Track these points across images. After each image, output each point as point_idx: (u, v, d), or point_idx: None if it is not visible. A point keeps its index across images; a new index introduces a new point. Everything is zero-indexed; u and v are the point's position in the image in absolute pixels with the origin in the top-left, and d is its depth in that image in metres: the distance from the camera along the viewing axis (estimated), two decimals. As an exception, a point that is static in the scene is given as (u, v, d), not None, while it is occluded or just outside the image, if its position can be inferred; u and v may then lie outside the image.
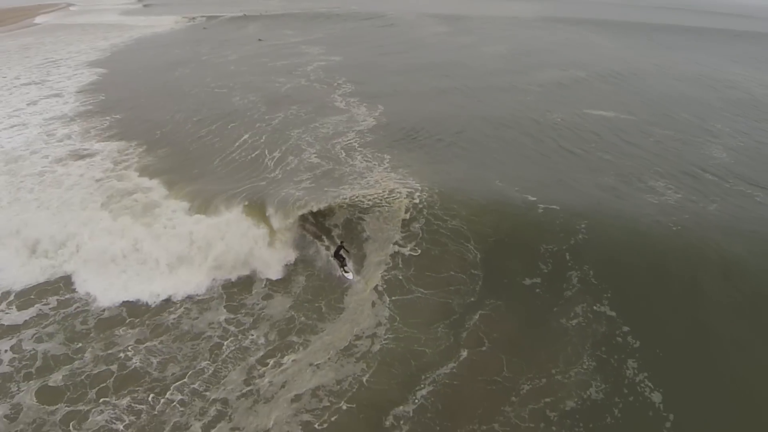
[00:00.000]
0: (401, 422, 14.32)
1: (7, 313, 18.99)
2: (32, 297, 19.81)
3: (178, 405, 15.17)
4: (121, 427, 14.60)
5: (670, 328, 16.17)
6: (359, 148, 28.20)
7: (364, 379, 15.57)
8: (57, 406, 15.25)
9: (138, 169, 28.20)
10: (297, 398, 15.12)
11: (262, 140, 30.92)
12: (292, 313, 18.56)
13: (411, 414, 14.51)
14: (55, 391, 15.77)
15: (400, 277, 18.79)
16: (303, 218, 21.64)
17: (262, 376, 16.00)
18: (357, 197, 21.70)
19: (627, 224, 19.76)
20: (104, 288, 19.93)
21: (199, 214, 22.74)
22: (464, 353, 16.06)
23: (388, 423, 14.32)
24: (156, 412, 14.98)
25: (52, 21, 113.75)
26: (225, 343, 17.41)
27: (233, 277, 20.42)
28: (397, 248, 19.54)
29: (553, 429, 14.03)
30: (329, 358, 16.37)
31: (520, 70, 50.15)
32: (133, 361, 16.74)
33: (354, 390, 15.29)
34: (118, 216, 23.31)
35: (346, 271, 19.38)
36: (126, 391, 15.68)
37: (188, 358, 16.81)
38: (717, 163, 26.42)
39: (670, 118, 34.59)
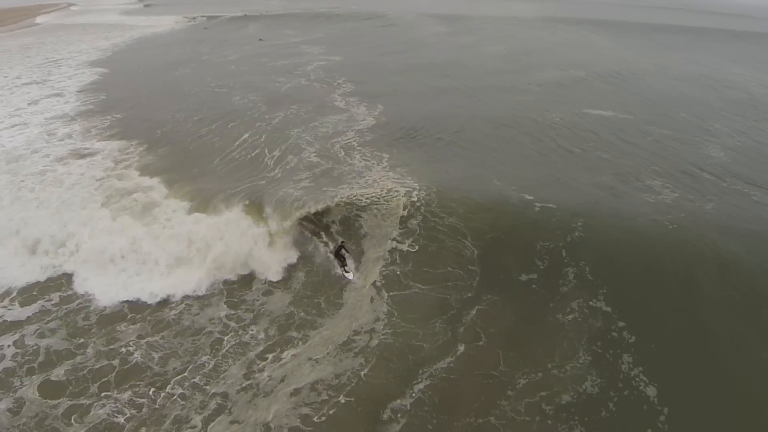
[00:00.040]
0: (398, 415, 14.50)
1: (9, 309, 19.18)
2: (34, 293, 20.02)
3: (178, 399, 15.38)
4: (122, 420, 14.78)
5: (666, 324, 16.32)
6: (358, 147, 28.36)
7: (363, 374, 15.76)
8: (59, 400, 15.42)
9: (138, 168, 28.33)
10: (296, 392, 15.31)
11: (262, 139, 31.09)
12: (292, 308, 18.75)
13: (408, 407, 14.69)
14: (57, 385, 15.95)
15: (398, 273, 18.99)
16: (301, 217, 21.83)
17: (261, 370, 16.19)
18: (355, 196, 21.88)
19: (624, 222, 19.91)
20: (104, 288, 20.02)
21: (199, 213, 22.84)
22: (461, 348, 16.25)
23: (385, 416, 14.50)
24: (157, 406, 15.18)
25: (52, 21, 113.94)
26: (225, 338, 17.60)
27: (233, 276, 20.53)
28: (394, 244, 19.75)
29: (549, 423, 14.21)
30: (328, 353, 16.57)
31: (519, 69, 50.26)
32: (135, 355, 16.94)
33: (352, 384, 15.48)
34: (118, 215, 23.44)
35: (346, 271, 19.48)
36: (127, 386, 15.87)
37: (189, 353, 17.01)
38: (715, 163, 26.55)
39: (669, 118, 34.69)
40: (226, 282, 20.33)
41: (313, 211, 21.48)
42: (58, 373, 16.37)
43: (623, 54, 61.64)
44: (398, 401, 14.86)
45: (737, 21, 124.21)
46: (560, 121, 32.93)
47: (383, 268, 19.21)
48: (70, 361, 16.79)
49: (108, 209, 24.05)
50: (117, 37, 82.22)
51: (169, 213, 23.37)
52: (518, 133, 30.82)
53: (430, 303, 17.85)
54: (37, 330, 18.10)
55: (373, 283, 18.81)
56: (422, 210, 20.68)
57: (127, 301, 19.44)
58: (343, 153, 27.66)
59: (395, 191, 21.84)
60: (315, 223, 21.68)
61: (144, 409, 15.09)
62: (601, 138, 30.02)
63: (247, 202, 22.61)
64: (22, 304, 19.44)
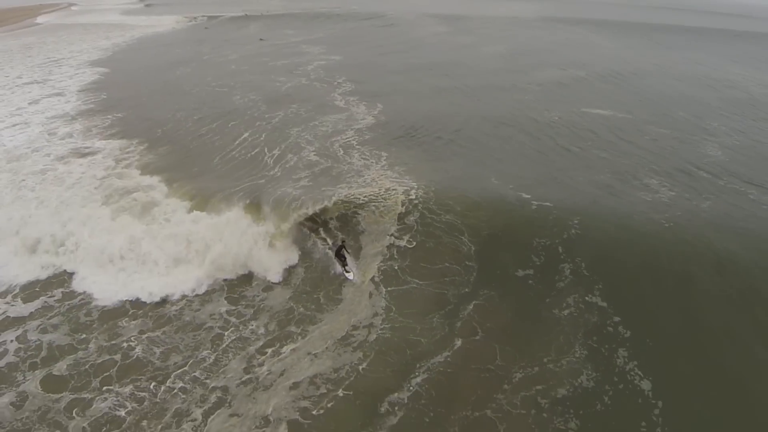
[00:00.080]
0: (396, 408, 14.67)
1: (12, 306, 19.37)
2: (37, 290, 20.21)
3: (179, 392, 15.55)
4: (123, 413, 14.96)
5: (661, 320, 16.50)
6: (357, 146, 28.58)
7: (361, 368, 15.95)
8: (62, 394, 15.60)
9: (139, 167, 28.48)
10: (295, 386, 15.50)
11: (261, 138, 31.27)
12: (291, 304, 18.94)
13: (406, 401, 14.87)
14: (59, 379, 16.13)
15: (396, 268, 19.20)
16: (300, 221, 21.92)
17: (261, 364, 16.37)
18: (353, 195, 22.08)
19: (620, 220, 20.11)
20: (103, 287, 20.09)
21: (198, 212, 22.92)
22: (458, 342, 16.44)
23: (383, 409, 14.68)
24: (158, 400, 15.35)
25: (53, 21, 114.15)
26: (226, 333, 17.79)
27: (233, 275, 20.62)
28: (392, 240, 19.97)
29: (544, 416, 14.36)
30: (327, 348, 16.76)
31: (519, 69, 50.43)
32: (136, 350, 17.12)
33: (351, 378, 15.66)
34: (118, 215, 23.54)
35: (347, 271, 19.59)
36: (129, 380, 16.05)
37: (190, 348, 17.20)
38: (712, 161, 26.72)
39: (668, 117, 34.87)
40: (226, 279, 20.49)
41: (311, 212, 21.60)
42: (61, 367, 16.54)
43: (623, 54, 61.78)
44: (396, 395, 15.04)
45: (737, 21, 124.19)
46: (559, 120, 33.11)
47: (381, 264, 19.42)
48: (72, 356, 16.97)
49: (108, 208, 24.14)
50: (118, 36, 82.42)
51: (168, 212, 23.44)
52: (517, 132, 30.99)
53: (427, 298, 18.06)
54: (39, 325, 18.28)
55: (372, 279, 19.03)
56: (420, 207, 20.90)
57: (126, 301, 19.55)
58: (342, 152, 27.86)
59: (393, 190, 22.06)
60: (314, 220, 21.81)
61: (145, 403, 15.27)
62: (600, 137, 30.21)
63: (247, 202, 22.78)
64: (25, 301, 19.63)
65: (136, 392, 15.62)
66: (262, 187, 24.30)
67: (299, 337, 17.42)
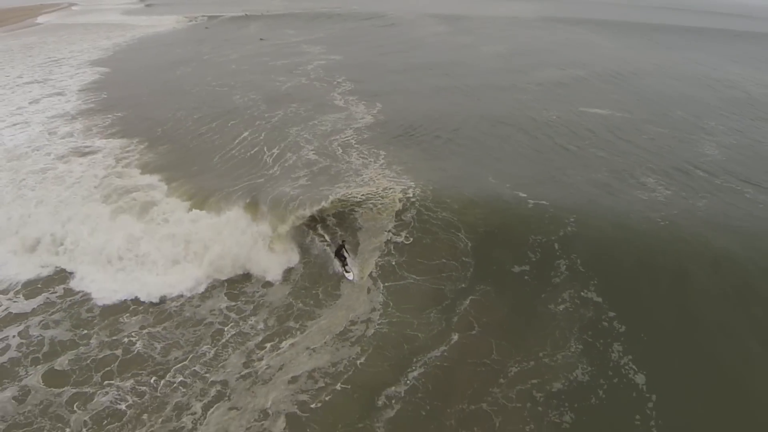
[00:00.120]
0: (393, 402, 14.87)
1: (14, 302, 19.56)
2: (39, 286, 20.40)
3: (179, 386, 15.74)
4: (124, 407, 15.15)
5: (656, 315, 16.69)
6: (356, 145, 28.78)
7: (359, 362, 16.15)
8: (63, 389, 15.78)
9: (139, 166, 28.55)
10: (294, 380, 15.70)
11: (261, 137, 31.43)
12: (291, 300, 19.14)
13: (402, 394, 15.06)
14: (61, 374, 16.32)
15: (393, 263, 19.43)
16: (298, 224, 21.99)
17: (260, 359, 16.57)
18: (351, 195, 22.26)
19: (617, 218, 20.30)
20: (102, 286, 20.13)
21: (197, 210, 22.92)
22: (455, 337, 16.65)
23: (380, 403, 14.87)
24: (158, 394, 15.54)
25: (54, 21, 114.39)
26: (225, 328, 17.97)
27: (232, 275, 20.66)
28: (390, 236, 20.18)
29: (539, 409, 14.54)
30: (325, 342, 16.97)
31: (519, 69, 50.58)
32: (137, 346, 17.32)
33: (349, 372, 15.86)
34: (117, 214, 23.50)
35: (347, 271, 19.70)
36: (130, 374, 16.24)
37: (190, 343, 17.38)
38: (709, 160, 26.87)
39: (666, 116, 35.02)
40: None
41: (308, 214, 21.65)
42: (62, 362, 16.73)
43: (623, 54, 61.89)
44: (393, 388, 15.23)
45: (737, 21, 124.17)
46: (557, 119, 33.29)
47: (379, 259, 19.64)
48: (73, 351, 17.16)
49: (107, 208, 24.14)
50: (118, 36, 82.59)
51: (168, 212, 23.39)
52: (515, 131, 31.17)
53: (424, 293, 18.26)
54: (41, 321, 18.47)
55: (370, 274, 19.25)
56: (417, 205, 21.12)
57: (124, 300, 19.64)
58: (340, 151, 28.06)
59: (391, 189, 22.26)
60: (312, 218, 21.92)
61: (146, 397, 15.46)
62: (598, 136, 30.37)
63: (247, 201, 22.84)
64: (27, 297, 19.82)
65: (136, 386, 15.80)
66: (261, 186, 24.44)
67: (298, 332, 17.61)
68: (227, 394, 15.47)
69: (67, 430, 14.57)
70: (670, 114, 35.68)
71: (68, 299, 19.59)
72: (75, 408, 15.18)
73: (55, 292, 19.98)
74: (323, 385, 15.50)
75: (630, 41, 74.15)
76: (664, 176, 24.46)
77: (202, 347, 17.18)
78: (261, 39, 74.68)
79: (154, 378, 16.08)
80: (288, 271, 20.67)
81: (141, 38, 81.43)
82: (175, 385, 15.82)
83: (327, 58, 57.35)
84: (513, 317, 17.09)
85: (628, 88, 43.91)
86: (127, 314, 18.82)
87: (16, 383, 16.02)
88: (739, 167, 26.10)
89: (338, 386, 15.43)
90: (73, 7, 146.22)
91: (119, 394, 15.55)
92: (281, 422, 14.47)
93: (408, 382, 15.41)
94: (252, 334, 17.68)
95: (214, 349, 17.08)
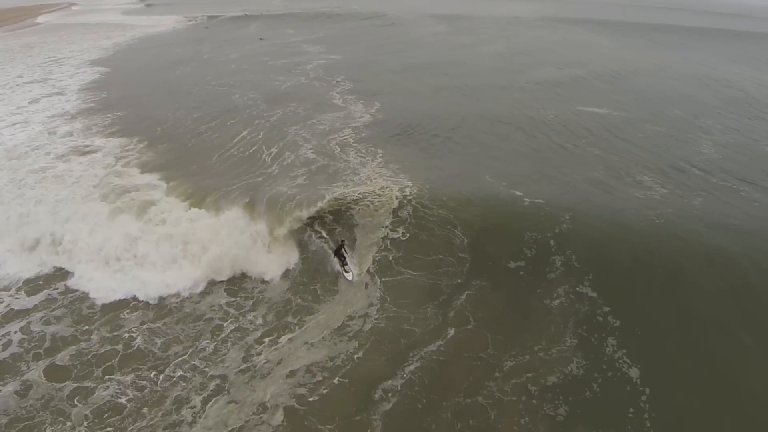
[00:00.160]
0: (390, 395, 15.09)
1: (16, 298, 19.79)
2: (40, 283, 20.62)
3: (179, 380, 15.98)
4: (124, 401, 15.38)
5: (651, 310, 16.85)
6: (354, 144, 28.97)
7: (356, 357, 16.38)
8: (64, 383, 16.02)
9: (138, 165, 28.70)
10: (292, 374, 15.93)
11: (260, 136, 31.61)
12: (289, 295, 19.37)
13: (399, 388, 15.28)
14: (62, 369, 16.55)
15: (390, 259, 19.64)
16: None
17: (259, 353, 16.80)
18: (348, 194, 22.38)
19: (612, 216, 20.44)
20: (100, 286, 20.23)
21: (196, 209, 23.02)
22: (451, 331, 16.86)
23: (377, 396, 15.10)
24: (158, 388, 15.78)
25: (54, 20, 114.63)
26: (225, 324, 18.22)
27: (230, 276, 20.74)
28: (386, 232, 20.37)
29: (534, 402, 14.75)
30: (323, 337, 17.19)
31: (518, 68, 50.66)
32: (137, 341, 17.55)
33: (346, 366, 16.09)
34: (116, 214, 23.60)
35: (346, 271, 19.82)
36: (130, 369, 16.47)
37: (190, 338, 17.62)
38: (705, 159, 26.99)
39: (664, 115, 35.12)
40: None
41: (306, 216, 21.68)
42: (63, 357, 16.97)
43: (622, 53, 61.96)
44: (390, 382, 15.46)
45: (737, 21, 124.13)
46: (555, 118, 33.42)
47: (376, 254, 19.84)
48: (74, 347, 17.39)
49: (107, 207, 24.23)
50: (118, 36, 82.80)
51: (167, 212, 23.43)
52: (513, 130, 31.31)
53: (421, 288, 18.48)
54: (42, 317, 18.70)
55: (367, 270, 19.46)
56: (413, 203, 21.30)
57: (122, 299, 19.78)
58: (338, 149, 28.25)
59: (388, 188, 22.40)
60: (309, 216, 22.12)
61: (146, 391, 15.69)
62: (595, 135, 30.51)
63: (245, 200, 22.91)
64: (29, 294, 20.06)
65: (137, 381, 16.03)
66: (260, 185, 24.60)
67: (296, 327, 17.84)
68: (226, 387, 15.69)
69: (68, 423, 14.80)
70: (668, 113, 35.77)
71: (69, 296, 19.84)
72: (76, 402, 15.41)
73: (57, 289, 20.22)
74: (321, 378, 15.72)
75: (630, 41, 74.19)
76: (660, 174, 24.59)
77: (201, 342, 17.40)
78: (261, 39, 74.85)
79: (154, 372, 16.32)
80: (286, 270, 20.83)
81: (141, 38, 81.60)
82: (174, 379, 16.05)
83: (326, 57, 57.53)
84: (508, 312, 17.29)
85: (626, 87, 43.96)
86: (128, 310, 19.04)
87: (18, 378, 16.25)
88: (735, 166, 26.21)
89: (336, 380, 15.66)
90: (73, 7, 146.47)
91: (120, 389, 15.78)
92: (279, 415, 14.69)
93: (404, 375, 15.63)
94: (251, 329, 17.90)
95: (214, 344, 17.31)
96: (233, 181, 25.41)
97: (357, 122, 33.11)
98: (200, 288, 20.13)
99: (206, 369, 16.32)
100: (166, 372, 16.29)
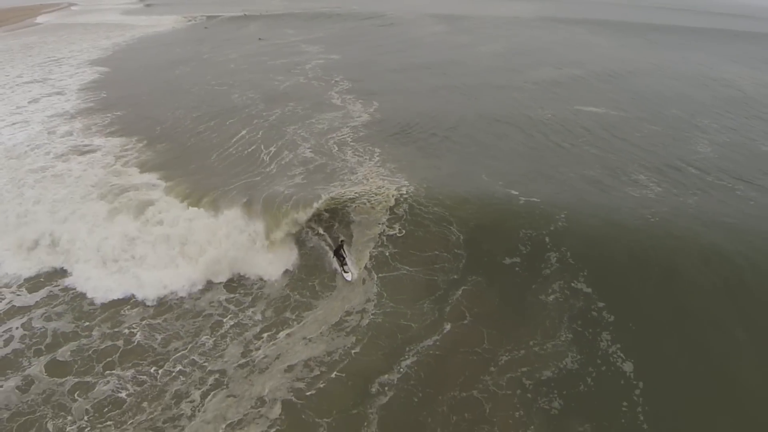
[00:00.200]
0: (386, 389, 15.31)
1: (18, 295, 20.01)
2: (41, 280, 20.85)
3: (179, 375, 16.21)
4: (124, 395, 15.62)
5: (645, 305, 17.02)
6: (352, 143, 29.13)
7: (353, 351, 16.60)
8: (65, 378, 16.25)
9: (138, 165, 28.85)
10: (290, 368, 16.15)
11: (258, 136, 31.76)
12: (288, 291, 19.62)
13: (396, 382, 15.50)
14: (63, 364, 16.79)
15: (387, 254, 19.84)
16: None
17: (258, 349, 17.04)
18: (345, 195, 22.50)
19: (607, 214, 20.57)
20: (99, 285, 20.31)
21: (195, 211, 22.99)
22: (447, 326, 17.07)
23: (374, 390, 15.32)
24: (158, 382, 16.01)
25: (53, 20, 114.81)
26: (224, 319, 18.46)
27: (228, 277, 20.85)
28: (383, 228, 20.56)
29: (529, 396, 14.96)
30: (321, 333, 17.41)
31: (516, 68, 50.68)
32: (138, 337, 17.79)
33: (343, 361, 16.31)
34: (115, 214, 23.62)
35: (345, 271, 19.94)
36: (130, 364, 16.71)
37: (190, 334, 17.85)
38: (701, 158, 27.09)
39: (661, 115, 35.18)
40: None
41: (304, 219, 21.72)
42: (64, 353, 17.20)
43: (621, 53, 61.86)
44: (386, 376, 15.68)
45: (737, 21, 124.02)
46: (552, 117, 33.52)
47: (373, 250, 20.03)
48: (75, 342, 17.62)
49: (105, 207, 24.27)
50: (118, 36, 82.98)
51: (164, 211, 23.46)
52: (511, 129, 31.43)
53: (417, 284, 18.69)
54: (44, 313, 18.93)
55: (365, 266, 19.66)
56: (410, 200, 21.49)
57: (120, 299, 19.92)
58: (336, 149, 28.42)
59: (384, 188, 22.55)
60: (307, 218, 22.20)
61: (146, 385, 15.92)
62: (592, 134, 30.61)
63: (244, 200, 22.97)
64: (30, 291, 20.29)
65: (137, 375, 16.27)
66: (258, 184, 24.76)
67: (295, 323, 18.08)
68: (225, 382, 15.92)
69: (69, 417, 15.03)
70: (666, 112, 35.84)
71: (70, 292, 20.06)
72: (77, 397, 15.64)
73: (58, 285, 20.43)
74: (318, 373, 15.94)
75: (629, 41, 74.04)
76: (656, 173, 24.71)
77: (201, 338, 17.64)
78: (260, 39, 74.95)
79: (154, 368, 16.55)
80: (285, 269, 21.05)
81: (140, 38, 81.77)
82: (174, 374, 16.28)
83: (325, 57, 57.67)
84: (504, 307, 17.49)
85: (624, 87, 43.96)
86: (128, 307, 19.28)
87: (20, 373, 16.48)
88: (731, 164, 26.31)
89: (333, 374, 15.88)
90: (73, 7, 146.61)
91: (120, 383, 16.01)
92: (277, 409, 14.90)
93: (401, 370, 15.84)
94: (250, 324, 18.14)
95: (213, 339, 17.55)
96: (232, 180, 25.58)
97: (355, 121, 33.26)
98: (198, 288, 20.25)
99: (205, 364, 16.54)
100: (166, 367, 16.52)
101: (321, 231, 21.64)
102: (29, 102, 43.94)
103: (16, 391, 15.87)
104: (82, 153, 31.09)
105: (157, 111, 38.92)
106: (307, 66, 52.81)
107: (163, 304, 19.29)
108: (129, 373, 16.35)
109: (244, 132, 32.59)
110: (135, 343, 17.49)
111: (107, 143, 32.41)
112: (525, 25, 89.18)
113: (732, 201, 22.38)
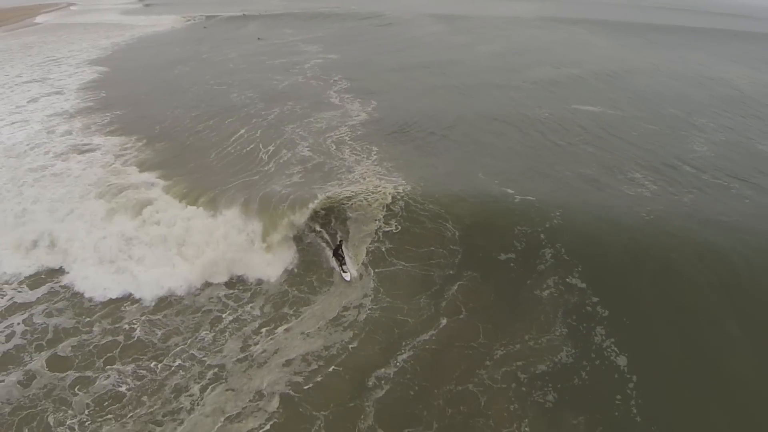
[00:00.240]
0: (383, 383, 15.53)
1: (19, 292, 20.21)
2: (42, 277, 21.03)
3: (178, 370, 16.41)
4: (124, 389, 15.82)
5: (639, 300, 17.23)
6: (350, 142, 29.31)
7: (351, 346, 16.82)
8: (66, 373, 16.45)
9: (136, 164, 28.96)
10: (288, 363, 16.36)
11: (257, 135, 31.92)
12: (286, 287, 19.81)
13: (392, 376, 15.72)
14: (64, 359, 16.98)
15: (383, 250, 20.06)
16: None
17: (256, 343, 17.24)
18: (342, 194, 22.63)
19: (603, 212, 20.77)
20: (97, 284, 20.36)
21: (193, 210, 23.12)
22: (443, 321, 17.29)
23: (370, 383, 15.55)
24: (158, 377, 16.20)
25: (53, 20, 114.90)
26: (223, 315, 18.66)
27: (225, 278, 20.81)
28: (379, 225, 20.75)
29: (524, 389, 15.16)
30: (319, 327, 17.62)
31: (515, 68, 50.68)
32: (138, 332, 17.97)
33: (341, 355, 16.53)
34: (114, 212, 23.73)
35: (344, 271, 20.05)
36: (130, 359, 16.90)
37: (189, 329, 18.06)
38: (698, 156, 27.23)
39: (658, 114, 35.28)
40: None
41: (301, 221, 21.72)
42: (65, 348, 17.40)
43: (620, 53, 61.84)
44: (383, 370, 15.90)
45: (737, 21, 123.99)
46: (550, 116, 33.64)
47: (370, 245, 20.23)
48: (76, 338, 17.82)
49: (104, 206, 24.32)
50: (117, 36, 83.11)
51: (163, 211, 23.47)
52: (508, 128, 31.55)
53: (414, 279, 18.91)
54: (45, 310, 19.13)
55: (362, 262, 19.86)
56: (406, 198, 21.68)
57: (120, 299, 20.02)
58: (334, 147, 28.60)
59: (381, 187, 22.72)
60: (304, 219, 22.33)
61: (146, 380, 16.12)
62: (589, 132, 30.75)
63: (242, 200, 23.01)
64: (31, 287, 20.50)
65: (137, 370, 16.47)
66: (256, 183, 24.90)
67: (293, 318, 18.28)
68: (224, 376, 16.12)
69: (70, 411, 15.22)
70: (663, 111, 35.94)
71: (71, 289, 20.20)
72: (77, 391, 15.84)
73: (58, 282, 20.60)
74: (316, 367, 16.16)
75: (628, 41, 73.96)
76: (652, 171, 24.85)
77: (200, 333, 17.84)
78: (259, 38, 75.05)
79: (153, 362, 16.75)
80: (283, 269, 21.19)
81: (139, 38, 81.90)
82: (173, 368, 16.48)
83: (324, 57, 57.81)
84: (499, 302, 17.70)
85: (622, 86, 44.02)
86: (129, 302, 19.46)
87: (21, 368, 16.67)
88: (727, 163, 26.46)
89: (330, 368, 16.09)
90: (72, 7, 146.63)
91: (120, 378, 16.20)
92: (275, 402, 15.11)
93: (397, 364, 16.05)
94: (249, 320, 18.34)
95: (212, 334, 17.74)
96: (230, 179, 25.75)
97: (353, 120, 33.43)
98: (196, 288, 20.28)
99: (205, 358, 16.74)
100: (166, 361, 16.72)
101: (318, 228, 21.78)
102: (28, 101, 44.05)
103: (18, 385, 16.06)
104: (82, 152, 31.23)
105: (156, 110, 39.09)
106: (305, 65, 52.96)
107: (163, 300, 19.47)
108: (129, 367, 16.54)
109: (242, 131, 32.75)
110: (135, 339, 17.67)
111: (106, 142, 32.55)
112: (524, 25, 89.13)
113: (727, 199, 22.53)
